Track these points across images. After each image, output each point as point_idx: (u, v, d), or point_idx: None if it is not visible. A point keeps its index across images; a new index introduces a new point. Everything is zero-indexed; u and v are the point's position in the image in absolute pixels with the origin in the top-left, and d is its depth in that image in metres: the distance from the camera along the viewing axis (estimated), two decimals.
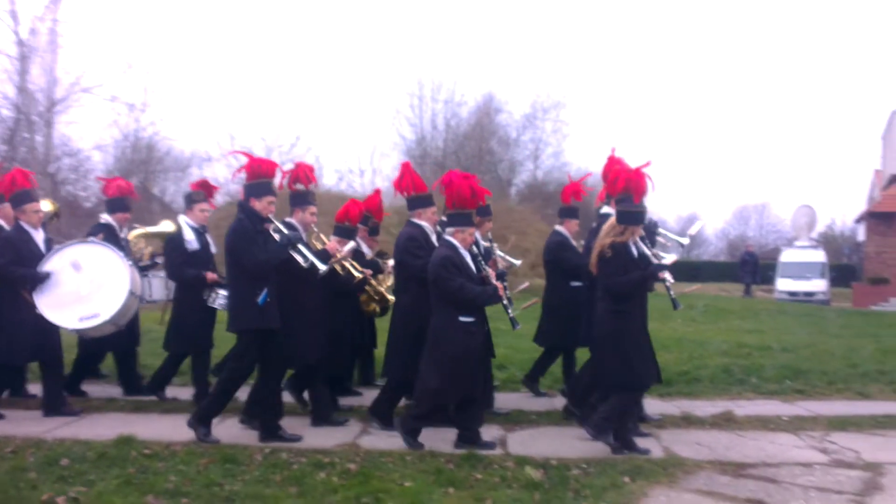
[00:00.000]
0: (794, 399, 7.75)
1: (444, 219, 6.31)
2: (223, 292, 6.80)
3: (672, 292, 6.00)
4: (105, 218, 7.43)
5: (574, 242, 7.46)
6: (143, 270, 7.62)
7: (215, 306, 6.96)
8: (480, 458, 5.42)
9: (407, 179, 6.59)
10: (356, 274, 6.66)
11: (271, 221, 5.89)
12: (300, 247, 5.88)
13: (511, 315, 5.97)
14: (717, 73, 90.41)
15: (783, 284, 26.58)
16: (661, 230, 7.07)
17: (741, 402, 7.53)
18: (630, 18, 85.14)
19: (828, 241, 45.02)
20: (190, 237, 7.01)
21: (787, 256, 28.28)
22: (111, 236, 7.20)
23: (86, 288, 6.48)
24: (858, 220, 41.40)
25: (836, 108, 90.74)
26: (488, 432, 6.12)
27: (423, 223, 6.46)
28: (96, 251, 6.67)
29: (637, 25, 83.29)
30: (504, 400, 7.27)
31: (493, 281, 5.88)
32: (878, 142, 30.11)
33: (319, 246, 6.41)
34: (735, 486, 5.08)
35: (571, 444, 6.01)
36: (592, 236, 6.57)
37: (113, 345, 7.28)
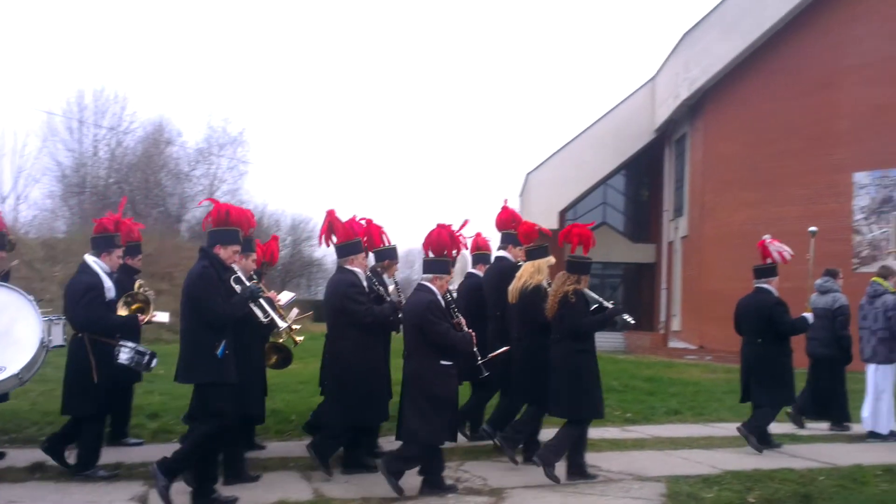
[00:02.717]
0: None
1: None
2: (131, 345, 5.97)
3: None
4: None
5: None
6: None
7: (124, 362, 5.91)
8: None
9: (336, 227, 6.72)
10: (294, 326, 6.90)
11: (234, 272, 5.66)
12: (261, 301, 5.74)
13: (480, 361, 6.37)
14: (391, 122, 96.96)
15: None
16: None
17: (389, 438, 7.82)
18: (312, 60, 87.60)
19: None
20: (109, 284, 6.10)
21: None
22: (4, 278, 6.04)
23: None
24: None
25: (487, 167, 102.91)
26: (129, 488, 5.73)
27: (357, 269, 6.62)
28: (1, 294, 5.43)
29: (318, 69, 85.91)
30: None
31: (465, 328, 6.13)
32: (517, 200, 34.57)
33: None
34: None
35: None
36: (496, 277, 7.52)
37: None
